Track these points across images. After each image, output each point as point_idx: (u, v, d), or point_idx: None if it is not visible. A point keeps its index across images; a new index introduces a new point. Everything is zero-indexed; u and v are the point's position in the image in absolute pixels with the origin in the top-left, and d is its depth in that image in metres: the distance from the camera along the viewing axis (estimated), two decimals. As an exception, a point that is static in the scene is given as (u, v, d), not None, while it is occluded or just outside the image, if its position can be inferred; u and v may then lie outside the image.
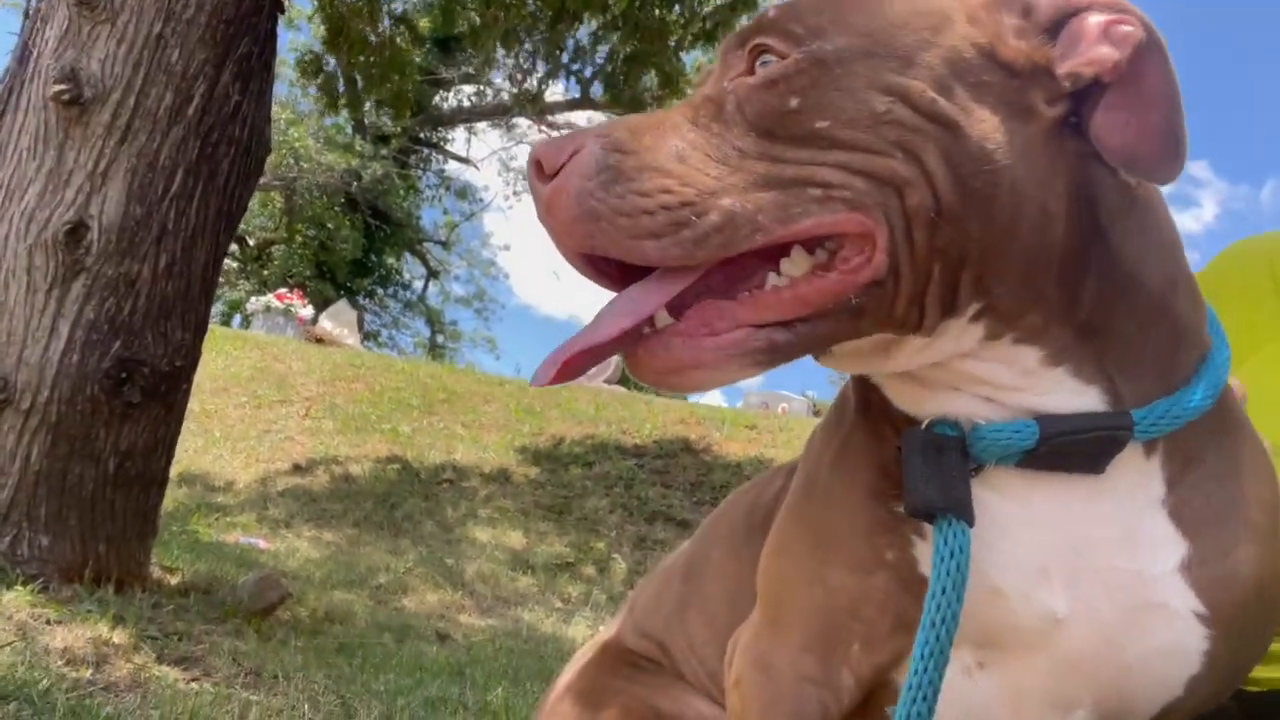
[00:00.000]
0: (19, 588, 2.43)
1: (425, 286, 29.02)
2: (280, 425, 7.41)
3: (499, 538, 5.67)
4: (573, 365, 0.65)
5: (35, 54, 2.62)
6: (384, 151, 24.03)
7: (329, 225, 25.05)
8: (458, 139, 25.00)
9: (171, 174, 2.70)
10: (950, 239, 0.66)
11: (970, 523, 0.71)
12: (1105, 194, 0.72)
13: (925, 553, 0.75)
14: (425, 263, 28.53)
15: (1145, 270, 0.73)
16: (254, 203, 25.24)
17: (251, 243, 26.30)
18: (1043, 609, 0.73)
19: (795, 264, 0.67)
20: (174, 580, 3.27)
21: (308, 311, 16.29)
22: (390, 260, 28.26)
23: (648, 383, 0.68)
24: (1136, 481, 0.74)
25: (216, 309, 26.73)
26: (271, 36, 2.90)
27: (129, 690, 1.92)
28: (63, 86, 2.53)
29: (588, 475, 6.76)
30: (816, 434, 0.91)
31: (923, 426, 0.75)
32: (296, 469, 6.60)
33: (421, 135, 24.81)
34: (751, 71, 0.69)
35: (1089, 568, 0.73)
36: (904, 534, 0.77)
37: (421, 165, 26.41)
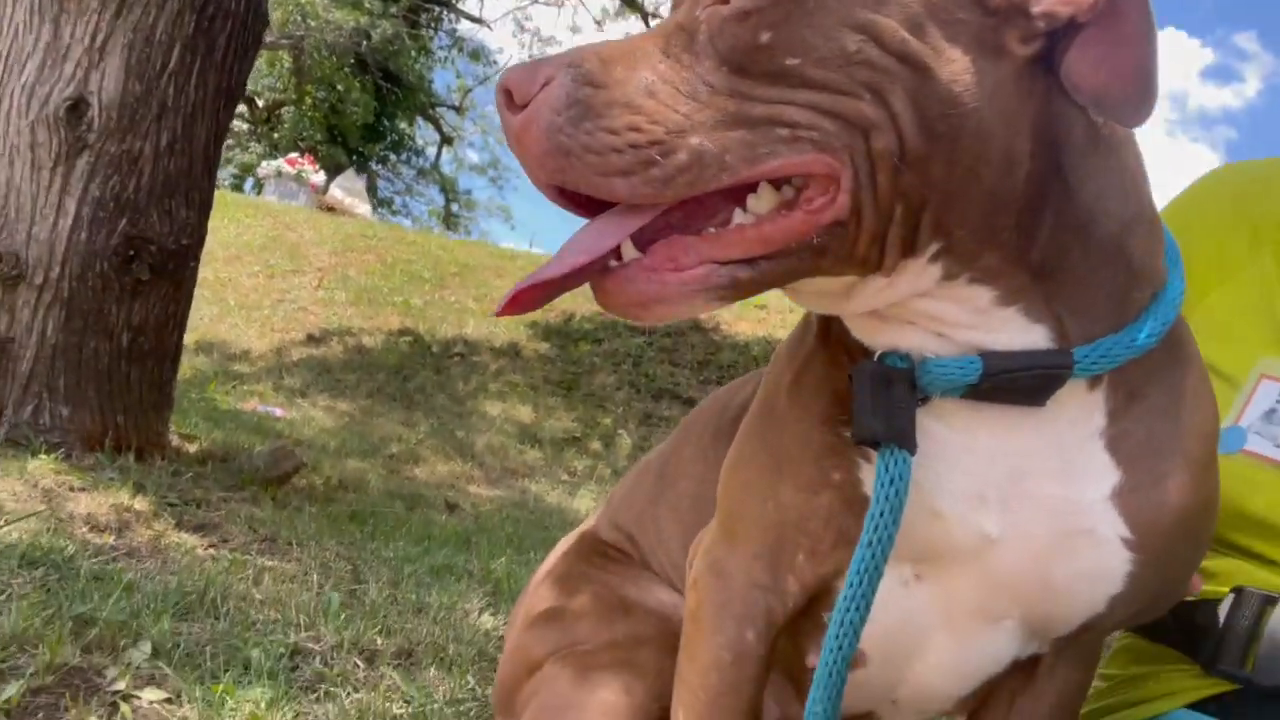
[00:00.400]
0: (43, 456, 2.56)
1: (438, 153, 28.58)
2: (293, 295, 7.49)
3: (508, 411, 5.82)
4: (535, 295, 0.67)
5: (24, -80, 2.55)
6: (393, 10, 23.21)
7: (339, 87, 24.50)
8: (470, -3, 23.99)
9: (169, 49, 2.66)
10: (913, 182, 0.67)
11: (912, 452, 0.75)
12: (1070, 133, 0.72)
13: (869, 475, 0.80)
14: (438, 128, 27.98)
15: (1102, 212, 0.75)
16: (261, 62, 24.66)
17: (260, 104, 25.82)
18: (977, 530, 0.78)
19: (761, 200, 0.68)
20: (192, 449, 3.41)
21: (319, 177, 16.15)
22: (402, 125, 27.74)
23: (613, 313, 0.70)
24: (1078, 414, 0.77)
25: (227, 172, 26.59)
26: (266, -99, 2.80)
27: (150, 556, 2.05)
28: (54, -44, 2.47)
29: (596, 352, 6.86)
30: (781, 351, 0.94)
31: (875, 358, 0.79)
32: (311, 339, 6.72)
33: (431, -8, 23.89)
34: (725, 0, 0.68)
35: (1023, 494, 0.77)
36: (850, 458, 0.81)
37: (433, 25, 25.54)
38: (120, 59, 2.62)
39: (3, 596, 1.54)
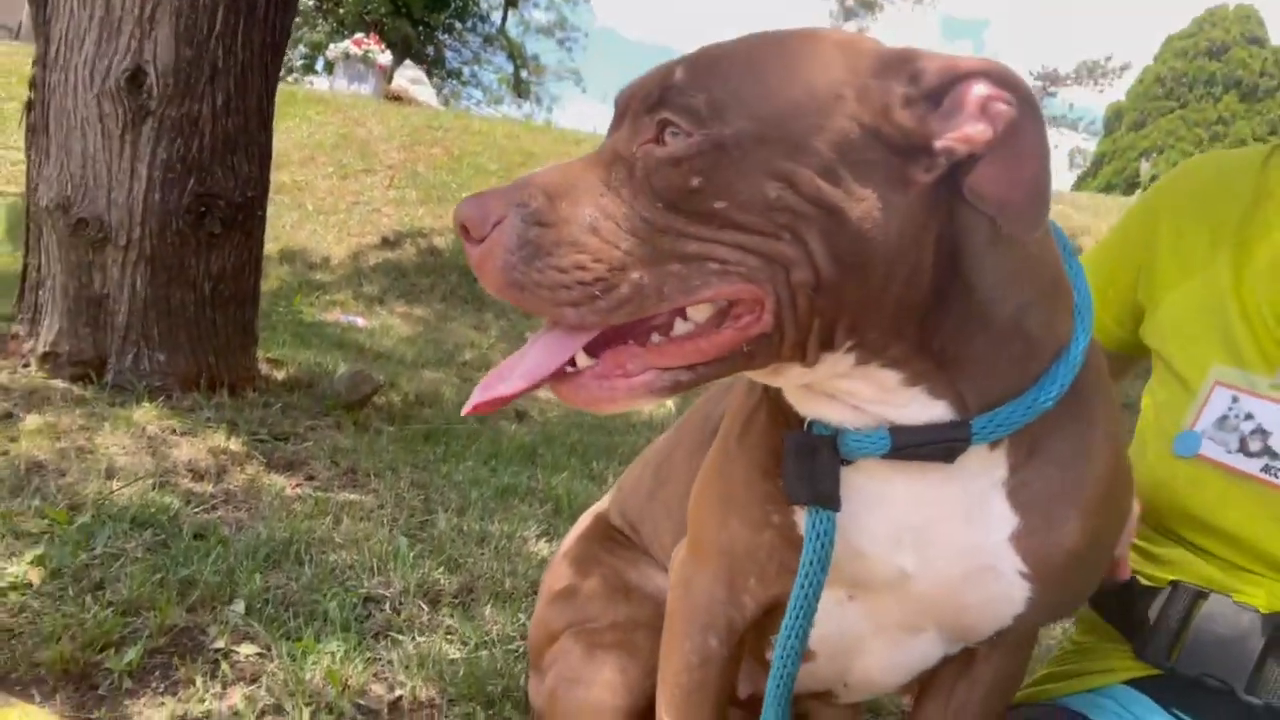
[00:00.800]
0: (146, 402, 2.85)
1: (504, 17, 27.91)
2: (366, 196, 7.69)
3: (575, 308, 5.94)
4: (497, 405, 0.78)
5: (65, -101, 2.63)
6: None
7: (400, -44, 23.96)
8: None
9: (213, 13, 2.76)
10: (828, 302, 0.76)
11: (835, 510, 0.88)
12: (971, 238, 0.80)
13: (803, 519, 0.92)
14: (503, -9, 27.24)
15: (1000, 301, 0.83)
16: (323, -66, 24.12)
17: (325, -22, 25.48)
18: (895, 567, 0.91)
19: (700, 311, 0.78)
20: (280, 376, 3.70)
21: (386, 57, 16.10)
22: (466, -11, 27.09)
23: (571, 405, 0.81)
24: (982, 469, 0.88)
25: (298, 52, 26.60)
26: None
27: (244, 501, 2.32)
28: (95, -67, 2.57)
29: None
30: (738, 390, 1.06)
31: (804, 426, 0.91)
32: (385, 243, 6.96)
33: None
34: (660, 140, 0.75)
35: (934, 538, 0.90)
36: (786, 504, 0.94)
37: (493, -121, 24.47)
38: (170, 27, 2.74)
39: (119, 562, 1.81)
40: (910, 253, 0.77)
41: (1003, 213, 0.77)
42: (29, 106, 2.88)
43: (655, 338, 0.78)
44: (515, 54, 29.17)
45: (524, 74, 29.65)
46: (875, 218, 0.74)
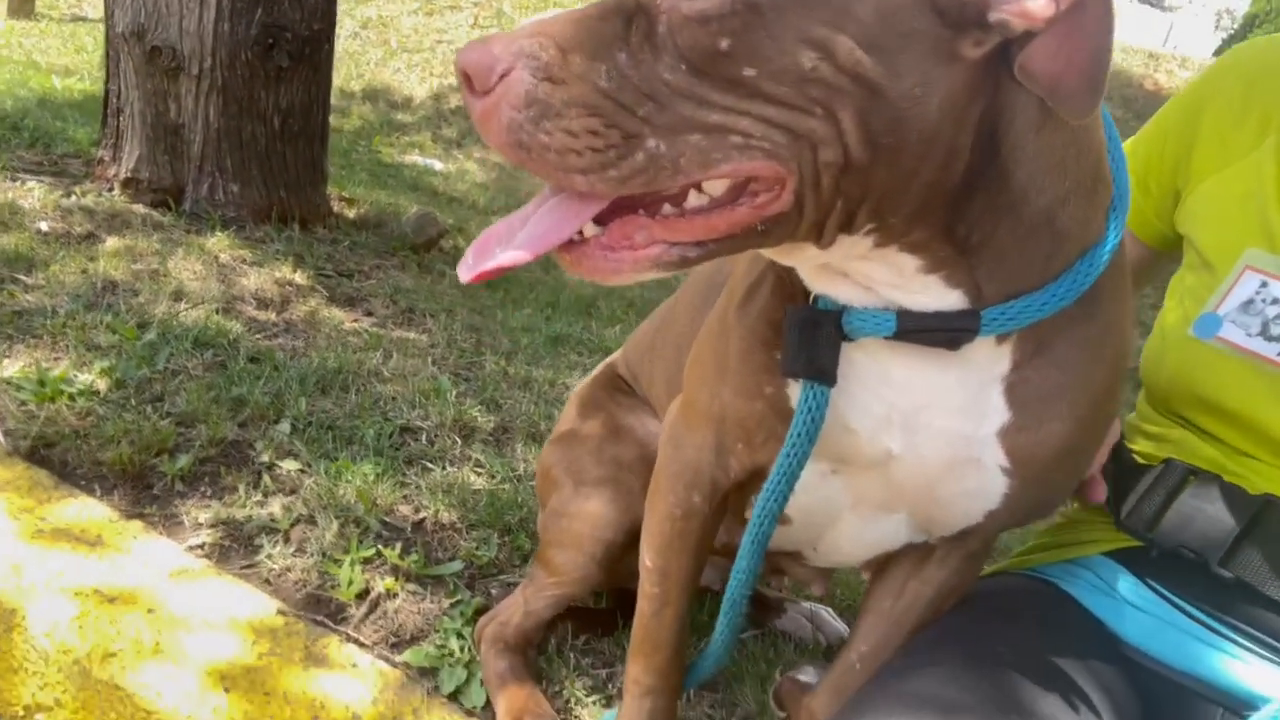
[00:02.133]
0: (220, 232, 2.97)
1: None
2: (450, 35, 7.58)
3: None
4: (502, 272, 0.72)
5: None
6: None
7: None
8: None
9: None
10: (855, 184, 0.71)
11: (831, 385, 0.88)
12: (1014, 122, 0.75)
13: (795, 391, 0.93)
14: None
15: (1036, 191, 0.78)
16: None
17: None
18: (881, 446, 0.92)
19: (715, 185, 0.74)
20: (351, 214, 3.79)
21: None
22: None
23: (576, 276, 0.79)
24: (986, 361, 0.86)
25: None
26: None
27: (303, 332, 2.44)
28: None
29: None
30: (742, 259, 1.05)
31: (809, 301, 0.90)
32: (467, 85, 6.87)
33: None
34: None
35: (925, 423, 0.89)
36: (779, 375, 0.94)
37: None
38: None
39: (179, 378, 1.94)
40: (947, 135, 0.72)
41: (1054, 95, 0.71)
42: (104, -71, 2.90)
43: (666, 209, 0.74)
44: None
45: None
46: (916, 96, 0.69)
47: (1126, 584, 1.13)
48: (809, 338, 0.87)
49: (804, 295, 0.91)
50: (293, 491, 1.68)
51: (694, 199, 0.74)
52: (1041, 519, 1.05)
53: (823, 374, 0.87)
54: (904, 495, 0.97)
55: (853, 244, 0.78)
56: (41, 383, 1.79)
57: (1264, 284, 1.11)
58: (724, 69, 0.67)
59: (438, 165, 5.50)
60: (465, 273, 0.73)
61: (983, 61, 0.71)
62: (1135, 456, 1.21)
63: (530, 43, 0.68)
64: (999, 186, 0.77)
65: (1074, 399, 0.89)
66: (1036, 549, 1.30)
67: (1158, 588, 1.11)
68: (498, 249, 0.73)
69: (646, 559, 1.14)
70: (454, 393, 2.20)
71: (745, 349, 0.97)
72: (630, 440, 1.34)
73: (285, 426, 1.86)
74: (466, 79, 0.69)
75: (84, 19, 7.74)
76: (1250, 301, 1.12)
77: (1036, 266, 0.82)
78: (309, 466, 1.75)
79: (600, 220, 0.74)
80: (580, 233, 0.74)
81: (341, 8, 3.31)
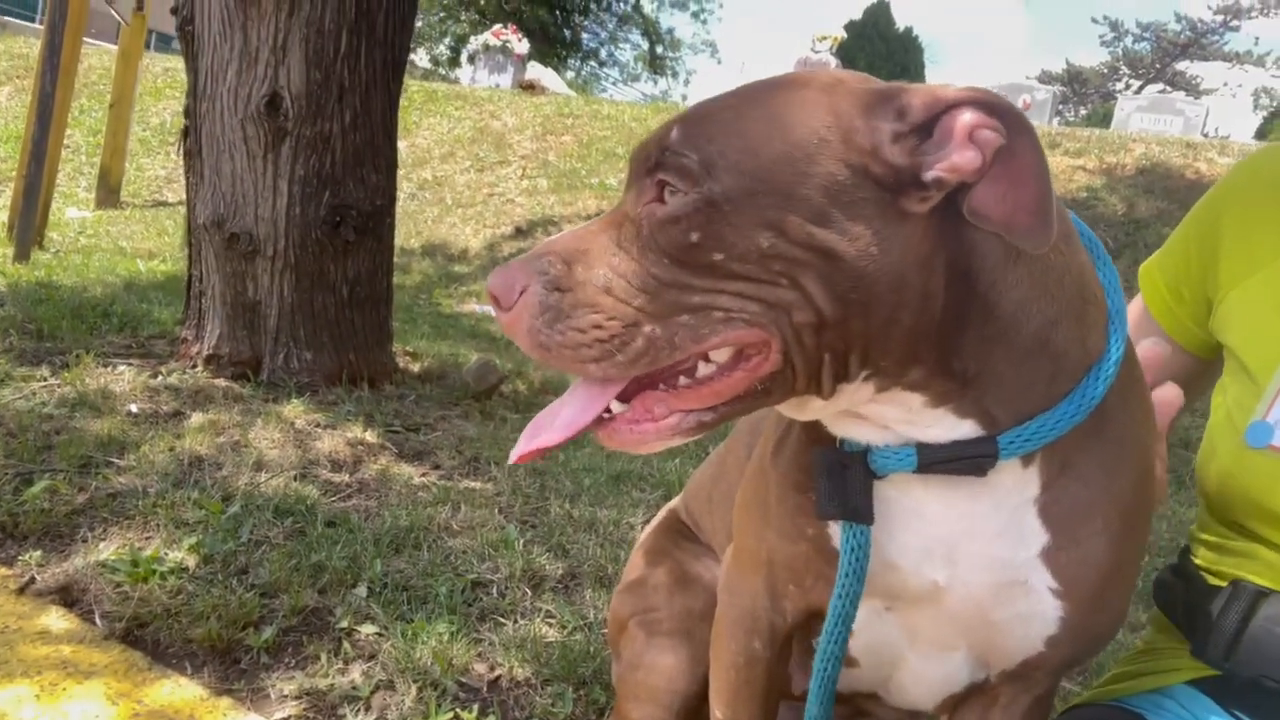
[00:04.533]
0: (295, 398, 3.13)
1: (638, -6, 28.08)
2: (501, 188, 7.99)
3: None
4: (542, 451, 0.84)
5: (204, -56, 2.90)
6: None
7: (537, -57, 24.51)
8: None
9: (338, 37, 2.98)
10: (835, 337, 0.80)
11: (869, 523, 0.92)
12: (986, 258, 0.82)
13: (836, 532, 0.96)
14: (636, -32, 27.41)
15: (1023, 318, 0.84)
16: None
17: (466, -30, 26.39)
18: (927, 579, 0.94)
19: (722, 354, 0.83)
20: (416, 368, 3.96)
21: (523, 46, 16.59)
22: (602, -30, 27.42)
23: (609, 448, 0.90)
24: (1015, 485, 0.89)
25: (445, 44, 27.68)
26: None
27: (376, 490, 2.54)
28: (232, -27, 2.82)
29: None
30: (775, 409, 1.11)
31: (835, 443, 0.94)
32: (518, 232, 7.23)
33: None
34: (660, 199, 0.80)
35: (965, 553, 0.92)
36: (819, 519, 0.98)
37: None
38: (300, 53, 2.98)
39: (261, 549, 2.03)
40: (916, 281, 0.79)
41: (1009, 233, 0.78)
42: (185, 134, 3.20)
43: (682, 380, 0.83)
44: (650, 31, 29.32)
45: (659, 49, 29.75)
46: (871, 254, 0.77)
47: (1211, 716, 1.10)
48: (839, 480, 0.91)
49: (831, 438, 0.95)
50: (372, 657, 1.73)
51: (703, 368, 0.83)
52: (1101, 648, 1.04)
53: (858, 514, 0.91)
54: (958, 626, 0.97)
55: (855, 391, 0.84)
56: (135, 563, 1.90)
57: None
58: (697, 257, 0.77)
59: (493, 311, 5.72)
60: (513, 455, 0.86)
61: (939, 211, 0.78)
62: (1203, 575, 1.20)
63: (541, 262, 0.81)
64: (985, 319, 0.82)
65: (1105, 513, 0.91)
66: (1118, 678, 1.28)
67: (1244, 719, 1.08)
68: (541, 435, 0.85)
69: (716, 710, 1.16)
70: (521, 541, 2.25)
71: (782, 494, 1.02)
72: (698, 589, 1.36)
73: (362, 590, 1.92)
74: (494, 299, 0.82)
75: (164, 203, 8.36)
76: None
77: (1041, 388, 0.86)
78: (386, 630, 1.80)
79: (625, 398, 0.84)
80: (609, 410, 0.84)
81: (400, 171, 3.57)
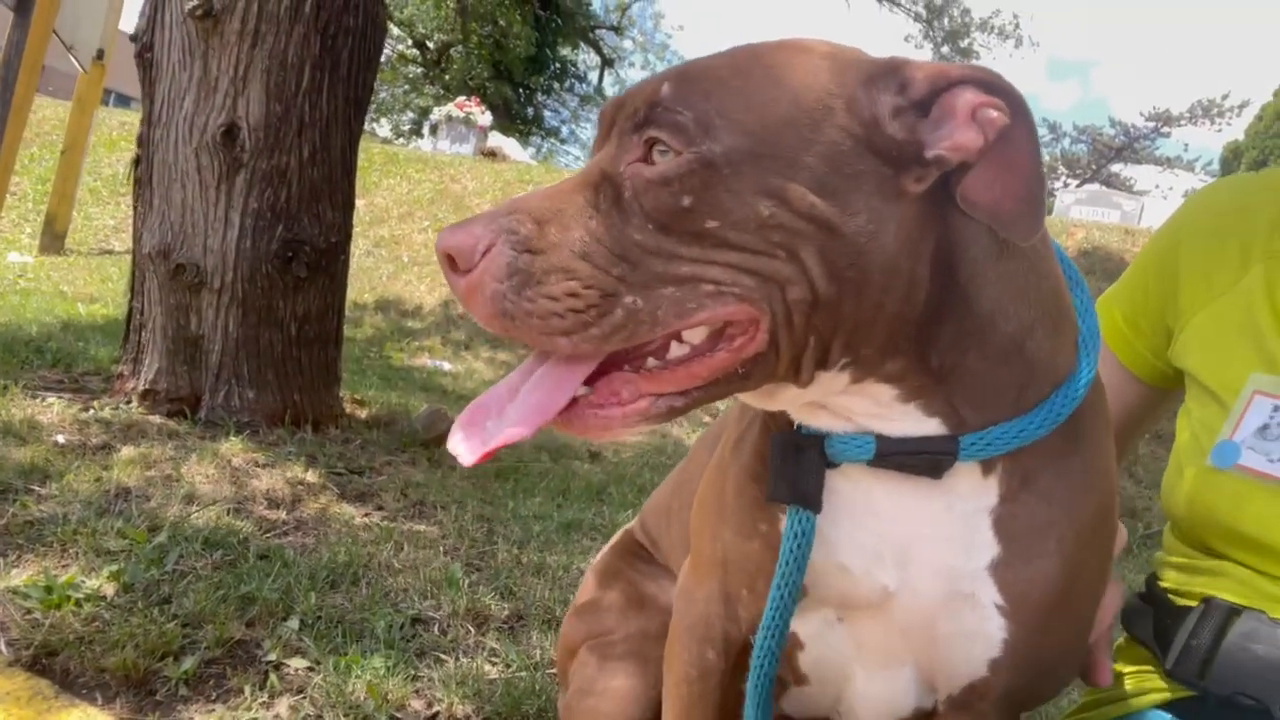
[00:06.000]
0: (233, 437, 3.01)
1: (600, 76, 28.82)
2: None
3: (656, 352, 6.00)
4: (500, 449, 0.72)
5: (169, -28, 2.89)
6: (548, -63, 23.34)
7: (501, 22, 25.12)
8: (620, -87, 23.65)
9: (300, 71, 2.96)
10: (825, 319, 0.74)
11: (816, 511, 0.87)
12: (969, 250, 0.79)
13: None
14: (599, 51, 28.20)
15: (1000, 317, 0.81)
16: (429, 6, 25.67)
17: (431, 46, 26.90)
18: (877, 583, 0.89)
19: (695, 334, 0.77)
20: (363, 415, 3.84)
21: (486, 118, 16.84)
22: (564, 52, 28.13)
23: (566, 434, 0.79)
24: (972, 492, 0.86)
25: (407, 117, 28.02)
26: (373, -83, 3.01)
27: (314, 528, 2.42)
28: (196, 2, 2.80)
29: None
30: (735, 406, 1.07)
31: (793, 428, 0.91)
32: (474, 291, 7.18)
33: (583, -88, 23.79)
34: (647, 159, 0.73)
35: (916, 555, 0.87)
36: (773, 512, 0.94)
37: (586, -55, 25.58)
38: (260, 84, 2.95)
39: (187, 579, 1.91)
40: (905, 265, 0.76)
41: (996, 220, 0.76)
42: (136, 162, 3.13)
43: (650, 362, 0.77)
44: (611, 111, 29.94)
45: (619, 130, 30.41)
46: (870, 230, 0.73)
47: None
48: (792, 461, 0.87)
49: (789, 425, 0.91)
50: (300, 691, 1.61)
51: (675, 349, 0.77)
52: (1050, 693, 0.98)
53: (807, 499, 0.86)
54: (906, 638, 0.92)
55: (830, 380, 0.80)
56: (48, 589, 1.76)
57: (1276, 407, 1.11)
58: (688, 224, 0.71)
59: (447, 366, 5.64)
60: (467, 454, 0.73)
61: (929, 195, 0.76)
62: (1171, 596, 1.17)
63: (508, 219, 0.72)
64: (964, 313, 0.80)
65: (1061, 534, 0.87)
66: (1086, 707, 1.23)
67: None
68: (489, 424, 0.74)
69: (669, 730, 1.08)
70: (466, 582, 2.15)
71: (740, 485, 0.97)
72: (653, 610, 1.29)
73: (294, 623, 1.81)
74: (450, 260, 0.72)
75: (111, 251, 8.19)
76: (1265, 427, 1.12)
77: (1011, 395, 0.83)
78: (317, 664, 1.68)
79: (588, 381, 0.75)
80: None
81: (357, 229, 3.52)
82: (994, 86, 0.74)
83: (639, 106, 0.75)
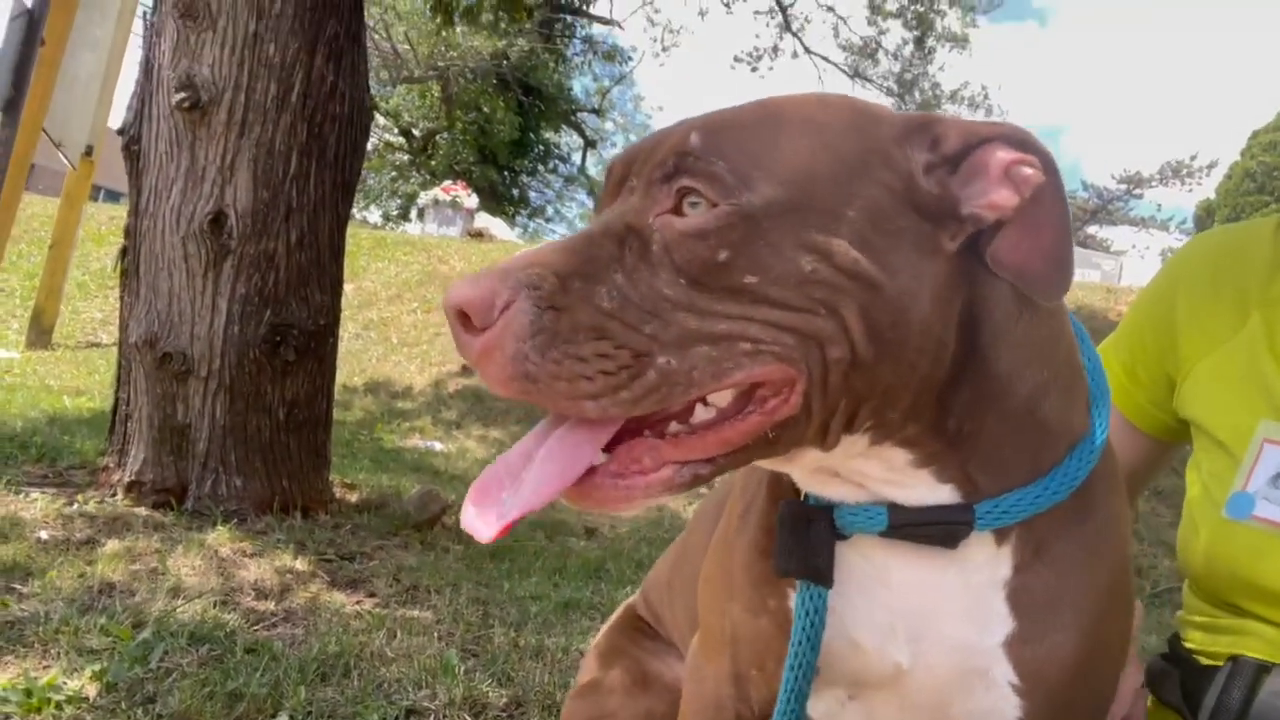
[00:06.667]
0: (220, 526, 2.94)
1: (584, 157, 29.42)
2: (448, 328, 7.98)
3: (648, 425, 5.97)
4: (518, 521, 0.67)
5: (156, 66, 2.94)
6: (527, 25, 24.01)
7: (485, 109, 25.71)
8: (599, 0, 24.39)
9: (287, 158, 2.99)
10: (861, 381, 0.71)
11: (828, 586, 0.83)
12: (991, 313, 0.77)
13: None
14: (581, 133, 28.83)
15: (1017, 380, 0.79)
16: (414, 95, 26.27)
17: (417, 134, 27.45)
18: (890, 660, 0.85)
19: (720, 397, 0.71)
20: (353, 498, 3.78)
21: (472, 200, 17.09)
22: (548, 135, 28.74)
23: (582, 509, 0.74)
24: (986, 563, 0.82)
25: (394, 203, 28.41)
26: (357, 10, 3.08)
27: (304, 618, 2.35)
28: (182, 95, 2.84)
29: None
30: (738, 476, 1.04)
31: (801, 498, 0.87)
32: (465, 370, 7.16)
33: (562, 1, 24.52)
34: (677, 210, 0.69)
35: (929, 631, 0.84)
36: (781, 587, 0.90)
37: (566, 34, 26.30)
38: (248, 172, 2.97)
39: (172, 677, 1.84)
40: (938, 326, 0.73)
41: (1023, 279, 0.75)
42: (124, 253, 3.13)
43: (674, 426, 0.72)
44: (595, 191, 30.48)
45: (604, 208, 30.91)
46: (912, 290, 0.71)
47: None
48: (801, 535, 0.84)
49: (797, 493, 0.88)
50: (291, 791, 1.53)
51: (700, 413, 0.72)
52: None
53: (818, 573, 0.83)
54: (921, 717, 0.88)
55: (852, 443, 0.77)
56: (28, 693, 1.69)
57: None
58: (724, 279, 0.67)
59: (438, 446, 5.59)
60: (483, 530, 0.67)
61: (958, 255, 0.74)
62: (1196, 656, 1.14)
63: (527, 274, 0.66)
64: (983, 376, 0.77)
65: (1077, 605, 0.84)
66: (1116, 772, 1.18)
67: None
68: (505, 495, 0.69)
69: (680, 819, 1.02)
70: (462, 669, 2.07)
71: (747, 560, 0.93)
72: (659, 688, 1.25)
73: (284, 719, 1.73)
74: (463, 317, 0.66)
75: (98, 344, 8.16)
76: (1278, 475, 1.10)
77: (1026, 460, 0.81)
78: (309, 761, 1.61)
79: (605, 448, 0.70)
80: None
81: (346, 313, 3.51)
82: (1026, 144, 0.73)
83: (666, 156, 0.71)
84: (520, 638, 2.42)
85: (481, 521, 0.68)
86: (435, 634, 2.35)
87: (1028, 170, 0.72)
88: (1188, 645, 1.17)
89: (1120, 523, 0.89)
